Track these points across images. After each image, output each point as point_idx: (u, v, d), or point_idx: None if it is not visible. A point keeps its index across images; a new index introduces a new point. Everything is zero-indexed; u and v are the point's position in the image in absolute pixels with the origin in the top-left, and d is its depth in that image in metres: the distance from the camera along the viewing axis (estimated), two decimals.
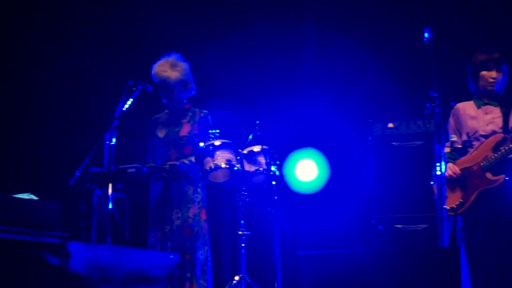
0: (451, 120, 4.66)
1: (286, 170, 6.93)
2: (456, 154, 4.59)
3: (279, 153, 6.72)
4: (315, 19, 7.16)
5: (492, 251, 4.22)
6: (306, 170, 6.99)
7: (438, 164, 3.66)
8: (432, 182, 4.62)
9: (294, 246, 5.94)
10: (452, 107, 4.64)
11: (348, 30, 6.96)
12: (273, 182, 4.61)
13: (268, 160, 4.60)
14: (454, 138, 4.59)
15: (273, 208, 4.58)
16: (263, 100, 6.98)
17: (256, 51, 7.14)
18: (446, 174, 4.37)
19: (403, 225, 6.21)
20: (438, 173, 3.66)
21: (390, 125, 6.26)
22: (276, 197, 4.56)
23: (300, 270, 4.62)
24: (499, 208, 4.29)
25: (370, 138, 6.32)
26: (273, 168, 4.61)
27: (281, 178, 6.84)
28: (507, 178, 4.26)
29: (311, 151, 6.99)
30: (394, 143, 6.26)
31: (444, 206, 4.36)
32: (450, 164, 4.47)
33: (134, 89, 4.39)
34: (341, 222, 6.78)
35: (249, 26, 7.00)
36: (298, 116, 7.13)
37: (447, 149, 4.57)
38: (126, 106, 4.23)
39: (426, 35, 3.96)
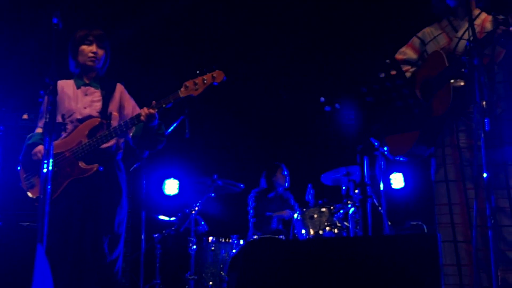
0: (46, 98, 4.00)
1: None
2: None
3: None
4: None
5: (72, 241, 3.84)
6: None
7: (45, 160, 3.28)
8: (19, 167, 4.14)
9: None
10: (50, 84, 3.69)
11: None
12: None
13: None
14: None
15: None
16: None
17: None
18: (35, 158, 3.98)
19: (29, 223, 5.91)
20: (45, 170, 3.26)
21: (25, 116, 5.93)
22: None
23: None
24: (89, 199, 3.92)
25: (1, 128, 5.88)
26: None
27: None
28: (100, 168, 3.92)
29: None
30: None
31: (29, 194, 3.99)
32: (40, 147, 3.96)
33: None
34: None
35: None
36: None
37: (39, 130, 4.19)
38: None
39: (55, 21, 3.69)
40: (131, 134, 4.17)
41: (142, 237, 5.43)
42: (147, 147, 4.27)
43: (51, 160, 3.28)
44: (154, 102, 3.93)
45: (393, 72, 2.72)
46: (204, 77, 3.88)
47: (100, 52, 4.16)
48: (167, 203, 7.60)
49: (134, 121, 3.95)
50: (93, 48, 4.13)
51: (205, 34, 7.51)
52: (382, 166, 5.08)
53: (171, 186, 7.81)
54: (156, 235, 6.30)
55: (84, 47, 4.13)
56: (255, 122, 8.05)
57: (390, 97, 2.78)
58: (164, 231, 6.38)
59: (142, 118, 3.90)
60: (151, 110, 3.91)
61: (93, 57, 4.13)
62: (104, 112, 4.09)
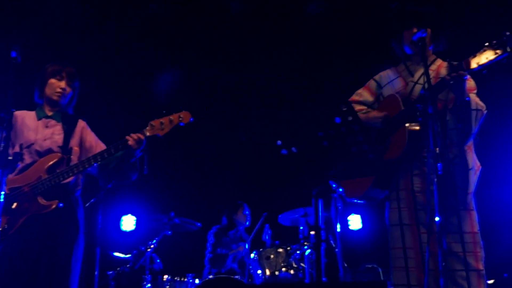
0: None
1: None
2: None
3: None
4: None
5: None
6: None
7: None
8: None
9: None
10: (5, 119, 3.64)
11: None
12: None
13: None
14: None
15: None
16: None
17: None
18: None
19: None
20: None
21: None
22: None
23: None
24: (46, 235, 3.78)
25: None
26: None
27: None
28: (60, 205, 3.78)
29: None
30: None
31: None
32: None
33: None
34: None
35: None
36: None
37: None
38: None
39: (13, 54, 3.64)
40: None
41: (96, 273, 5.32)
42: (118, 177, 4.07)
43: (3, 194, 3.21)
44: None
45: (350, 118, 2.77)
46: (170, 117, 3.79)
47: (68, 89, 4.11)
48: (123, 239, 7.49)
49: (118, 146, 3.83)
50: (62, 84, 4.07)
51: (165, 71, 7.54)
52: (339, 208, 5.10)
53: (128, 222, 7.72)
54: (110, 272, 6.17)
55: (53, 80, 4.07)
56: (213, 162, 8.08)
57: (345, 143, 2.83)
58: (118, 268, 6.25)
59: (130, 142, 3.79)
60: (140, 135, 3.82)
61: (60, 93, 4.07)
62: (65, 147, 4.00)
